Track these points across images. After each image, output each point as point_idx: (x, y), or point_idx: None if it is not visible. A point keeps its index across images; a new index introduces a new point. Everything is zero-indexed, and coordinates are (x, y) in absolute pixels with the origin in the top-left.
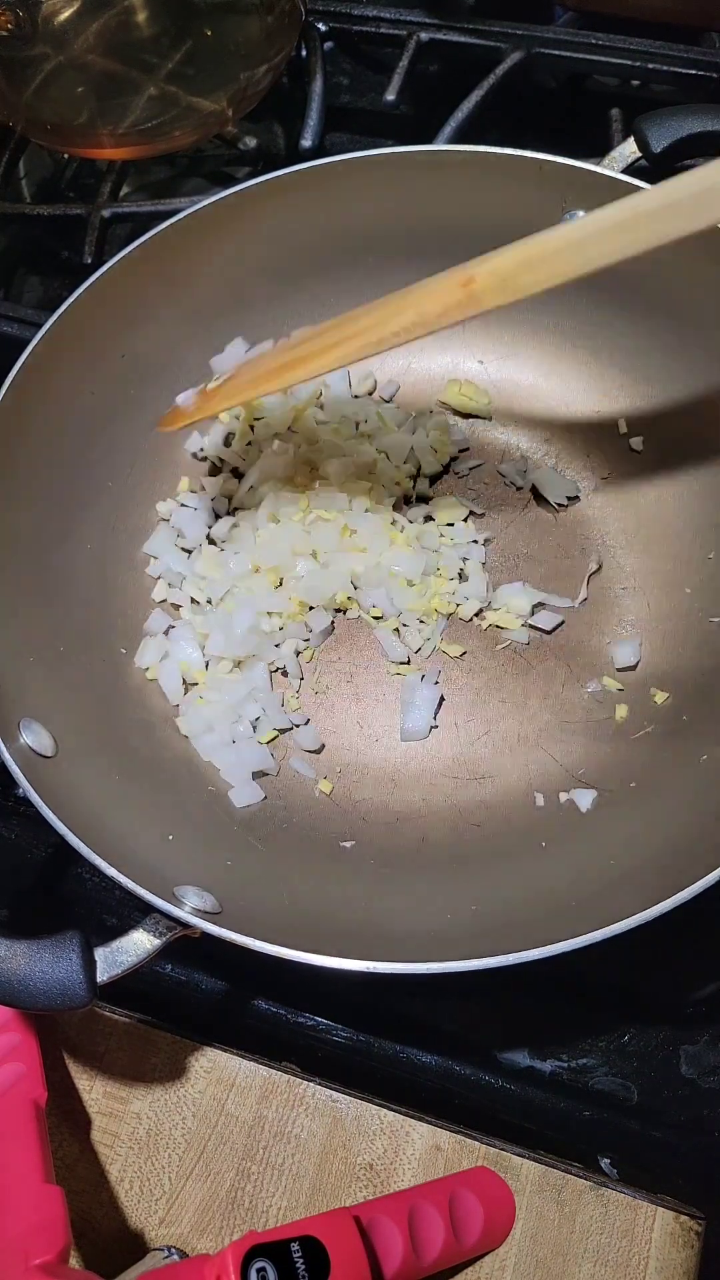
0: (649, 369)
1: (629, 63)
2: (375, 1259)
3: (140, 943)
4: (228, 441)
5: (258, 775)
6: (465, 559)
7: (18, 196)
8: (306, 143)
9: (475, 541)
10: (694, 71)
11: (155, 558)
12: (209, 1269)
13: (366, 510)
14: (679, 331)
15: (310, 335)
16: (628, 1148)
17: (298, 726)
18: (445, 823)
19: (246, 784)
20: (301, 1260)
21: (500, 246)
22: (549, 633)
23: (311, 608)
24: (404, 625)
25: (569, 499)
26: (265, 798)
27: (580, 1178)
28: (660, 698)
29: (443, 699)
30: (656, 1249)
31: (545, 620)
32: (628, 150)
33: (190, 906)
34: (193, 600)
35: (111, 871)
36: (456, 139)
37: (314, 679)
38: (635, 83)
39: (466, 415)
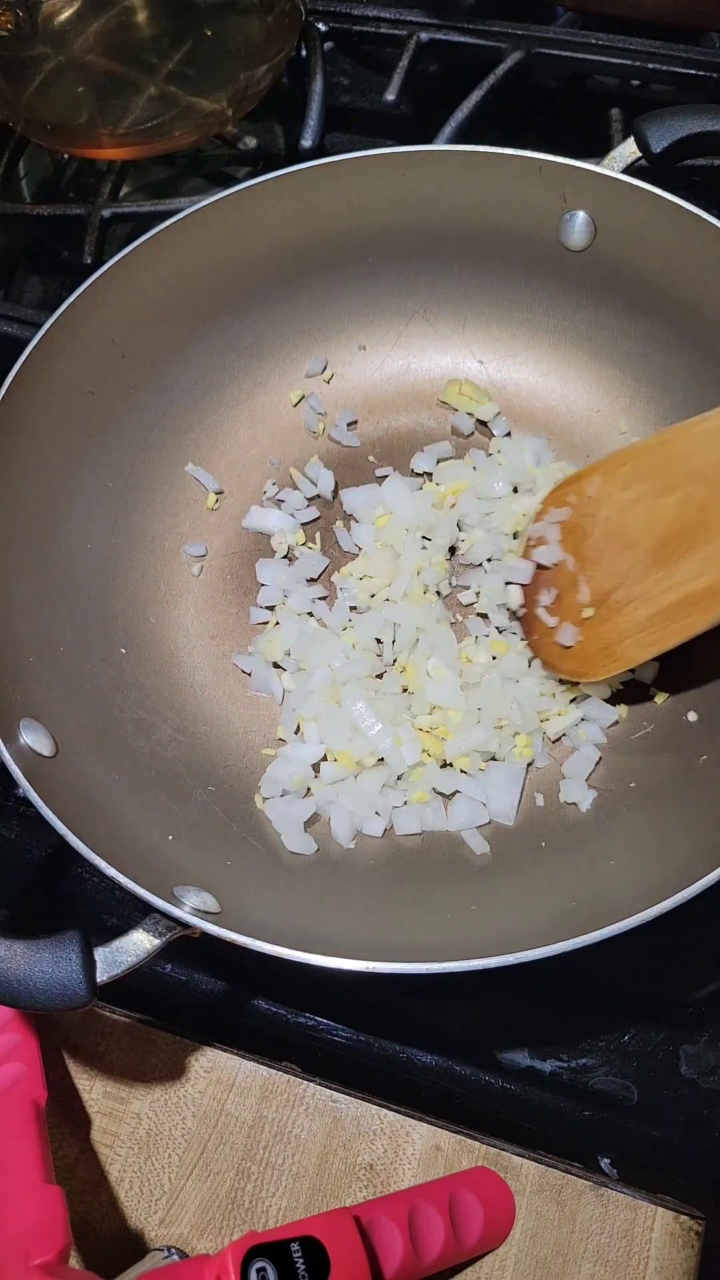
0: (649, 369)
1: (629, 63)
2: (375, 1259)
3: (140, 943)
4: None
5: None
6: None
7: (18, 196)
8: (306, 143)
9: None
10: (694, 71)
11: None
12: (209, 1269)
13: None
14: (679, 331)
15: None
16: (628, 1148)
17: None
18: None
19: (299, 835)
20: (301, 1260)
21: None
22: None
23: None
24: None
25: None
26: (317, 849)
27: (580, 1178)
28: (660, 698)
29: None
30: (656, 1249)
31: None
32: (628, 150)
33: (190, 906)
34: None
35: (111, 871)
36: (456, 139)
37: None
38: (635, 83)
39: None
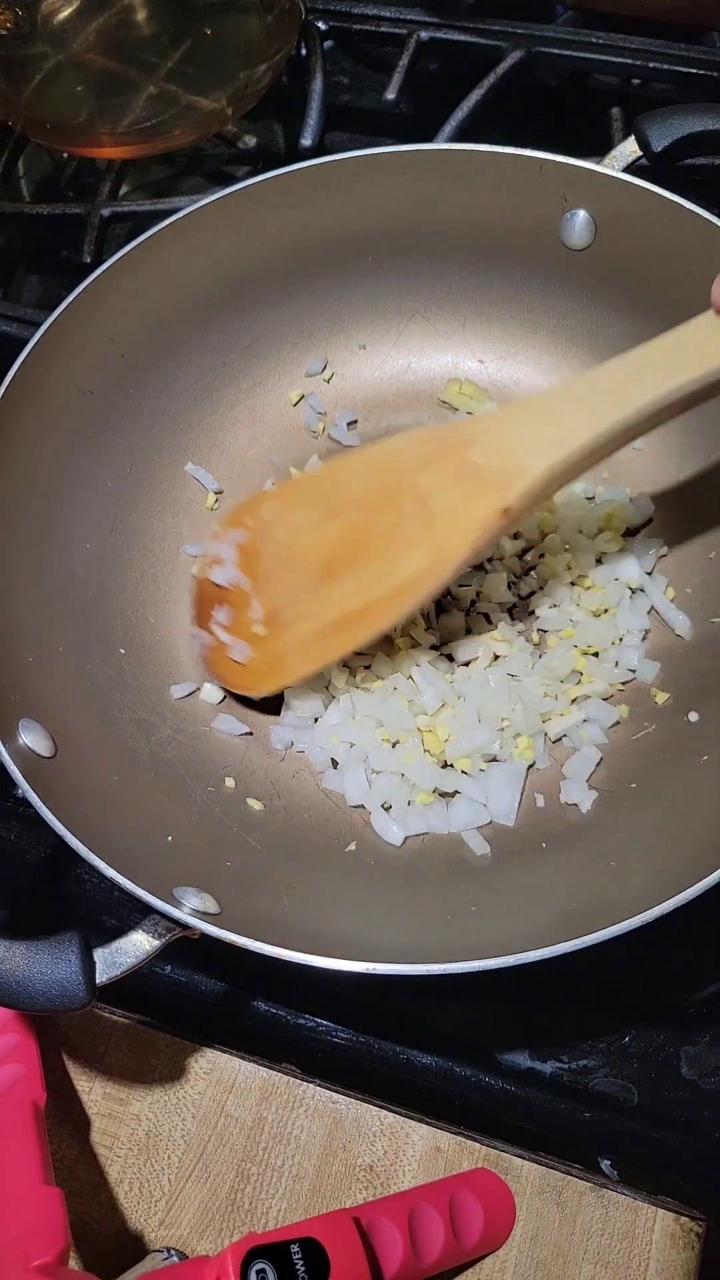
0: None
1: (629, 62)
2: (375, 1260)
3: (139, 943)
4: None
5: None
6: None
7: (17, 196)
8: (306, 142)
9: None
10: (694, 70)
11: None
12: (209, 1271)
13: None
14: None
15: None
16: (628, 1149)
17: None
18: None
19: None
20: (301, 1262)
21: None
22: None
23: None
24: None
25: None
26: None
27: (581, 1179)
28: (660, 698)
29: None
30: (657, 1250)
31: None
32: (628, 149)
33: (189, 907)
34: None
35: (110, 872)
36: (457, 138)
37: None
38: (636, 82)
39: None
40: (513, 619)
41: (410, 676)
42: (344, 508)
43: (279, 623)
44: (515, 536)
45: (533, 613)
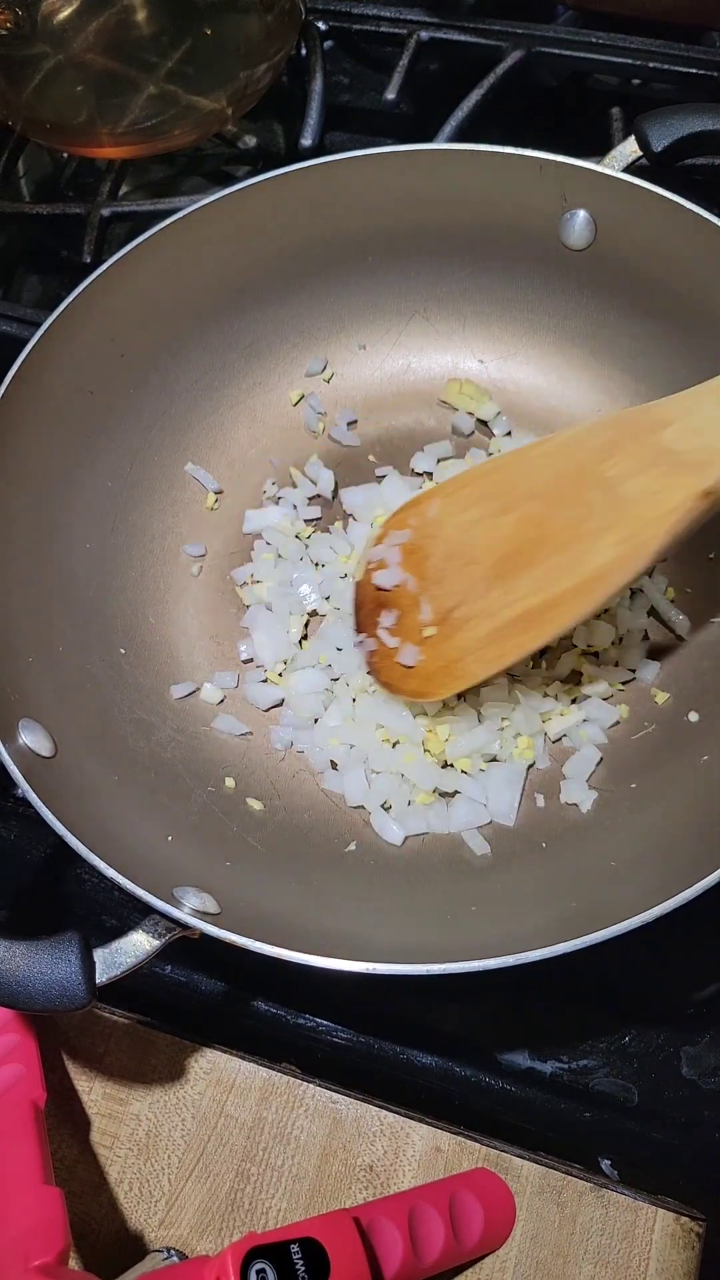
0: (649, 369)
1: (629, 62)
2: (375, 1260)
3: (139, 943)
4: None
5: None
6: None
7: (17, 196)
8: (306, 142)
9: None
10: (694, 70)
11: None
12: (208, 1270)
13: None
14: (679, 331)
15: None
16: (628, 1149)
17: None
18: None
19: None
20: (301, 1262)
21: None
22: None
23: None
24: None
25: None
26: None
27: (581, 1179)
28: (660, 698)
29: None
30: (657, 1250)
31: None
32: (628, 149)
33: (190, 907)
34: None
35: (110, 872)
36: (457, 138)
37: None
38: (636, 82)
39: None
40: None
41: None
42: (519, 501)
43: (451, 623)
44: None
45: None
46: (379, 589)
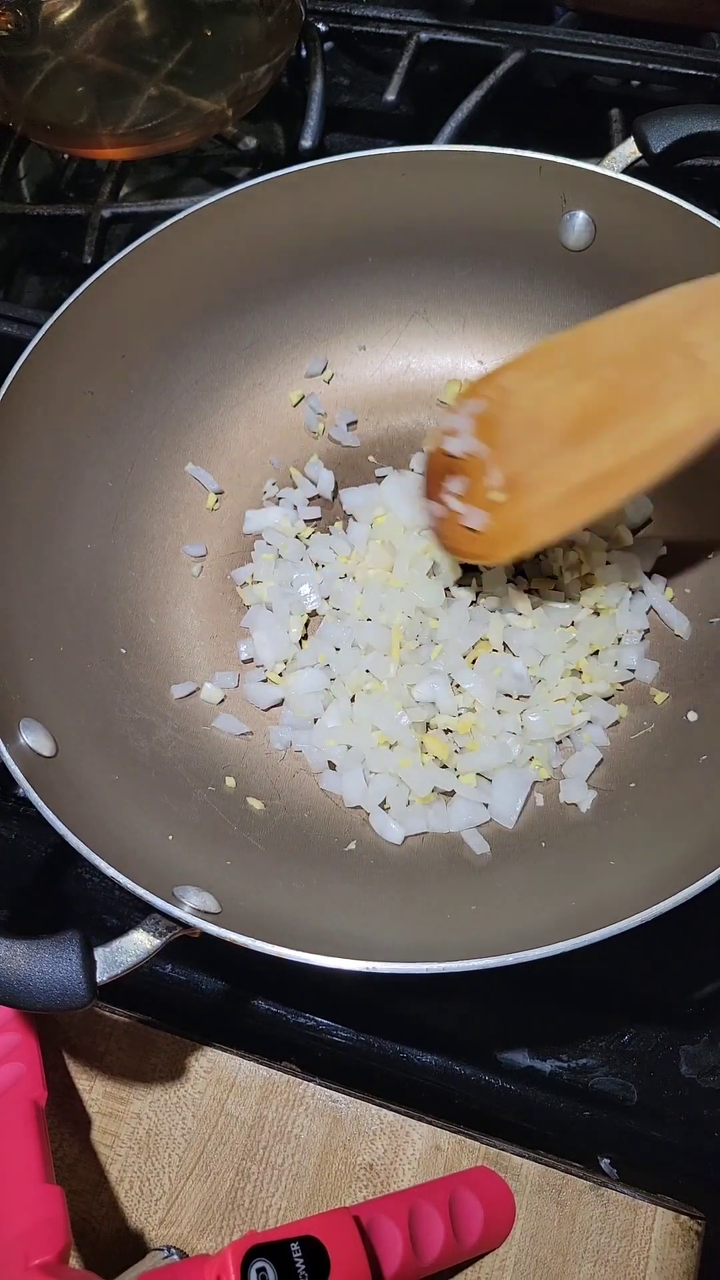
0: None
1: (629, 63)
2: (375, 1259)
3: (140, 943)
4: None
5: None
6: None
7: (18, 196)
8: (306, 143)
9: None
10: (694, 71)
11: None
12: (209, 1269)
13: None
14: None
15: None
16: (628, 1148)
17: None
18: None
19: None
20: (301, 1260)
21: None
22: None
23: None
24: None
25: None
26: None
27: (580, 1178)
28: (660, 698)
29: None
30: (656, 1249)
31: None
32: (627, 150)
33: (190, 906)
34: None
35: (111, 871)
36: (456, 139)
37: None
38: (635, 83)
39: None
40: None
41: (410, 687)
42: (597, 368)
43: (520, 487)
44: None
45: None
46: (449, 455)
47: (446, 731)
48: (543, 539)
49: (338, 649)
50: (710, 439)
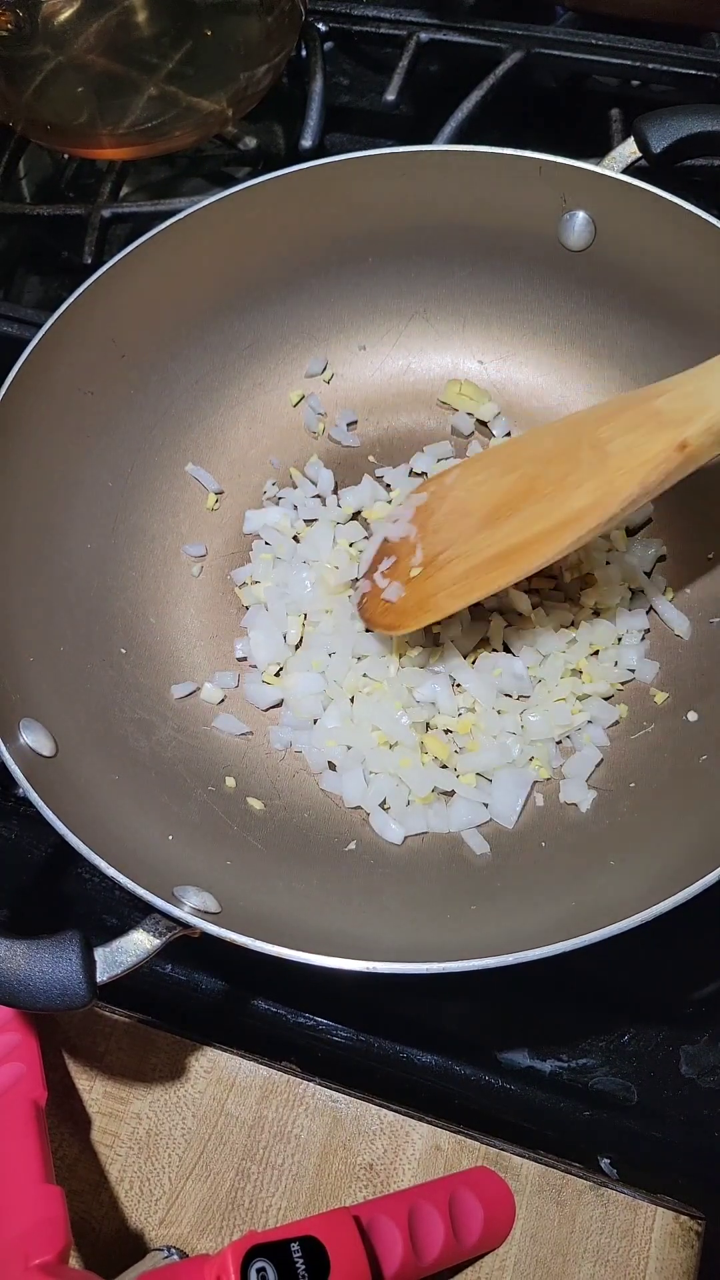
0: (649, 369)
1: (629, 63)
2: (375, 1259)
3: (140, 943)
4: None
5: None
6: None
7: (18, 196)
8: (306, 143)
9: None
10: (694, 71)
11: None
12: (209, 1269)
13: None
14: (679, 332)
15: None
16: (628, 1148)
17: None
18: None
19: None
20: (301, 1260)
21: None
22: None
23: None
24: None
25: None
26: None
27: (580, 1178)
28: (660, 698)
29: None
30: (656, 1249)
31: None
32: (627, 150)
33: (190, 906)
34: None
35: (111, 871)
36: (456, 139)
37: None
38: (635, 83)
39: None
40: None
41: (411, 688)
42: (521, 464)
43: (435, 564)
44: None
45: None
46: (386, 540)
47: (446, 731)
48: (448, 610)
49: (331, 654)
50: (608, 521)
